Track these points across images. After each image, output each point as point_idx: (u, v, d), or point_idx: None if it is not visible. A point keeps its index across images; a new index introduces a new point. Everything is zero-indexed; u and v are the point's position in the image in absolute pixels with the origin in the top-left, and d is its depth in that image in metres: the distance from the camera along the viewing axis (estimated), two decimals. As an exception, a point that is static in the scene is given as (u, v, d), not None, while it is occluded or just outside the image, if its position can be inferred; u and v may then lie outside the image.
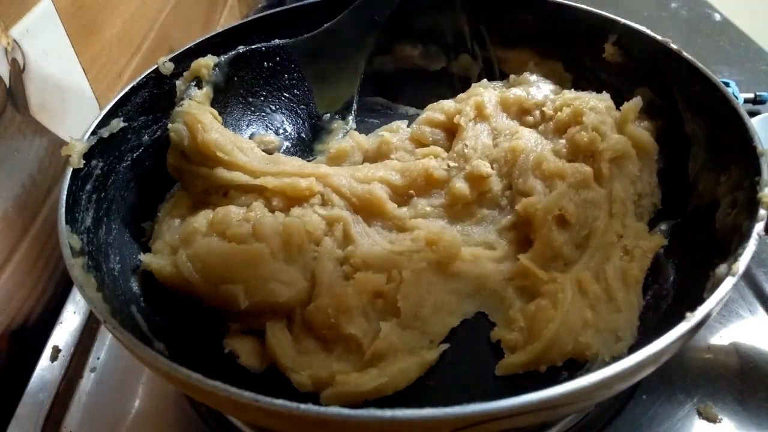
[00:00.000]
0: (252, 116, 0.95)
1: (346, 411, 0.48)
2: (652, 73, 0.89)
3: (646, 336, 0.69)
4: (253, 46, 0.93)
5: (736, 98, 0.76)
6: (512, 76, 1.01)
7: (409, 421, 0.48)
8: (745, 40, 1.42)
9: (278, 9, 0.99)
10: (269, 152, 0.91)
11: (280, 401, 0.48)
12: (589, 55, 0.97)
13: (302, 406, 0.48)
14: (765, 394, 0.71)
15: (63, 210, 0.68)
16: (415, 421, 0.47)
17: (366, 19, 1.00)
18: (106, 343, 0.82)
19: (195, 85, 0.86)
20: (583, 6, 0.97)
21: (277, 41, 0.96)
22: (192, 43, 0.91)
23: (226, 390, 0.49)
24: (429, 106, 0.97)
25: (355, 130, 1.00)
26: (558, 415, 0.66)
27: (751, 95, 1.16)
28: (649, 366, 0.55)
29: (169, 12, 1.24)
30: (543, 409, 0.50)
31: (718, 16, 1.52)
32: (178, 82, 0.87)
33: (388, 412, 0.48)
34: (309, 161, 0.92)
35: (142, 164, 0.85)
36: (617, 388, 0.55)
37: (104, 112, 0.80)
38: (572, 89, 0.96)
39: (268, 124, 0.96)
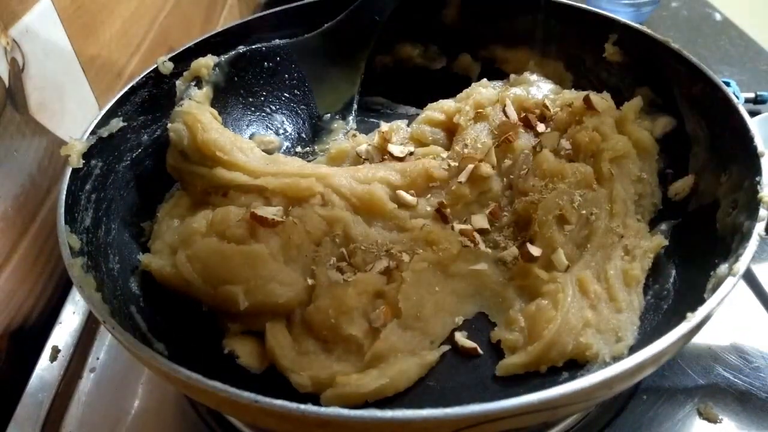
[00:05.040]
0: (252, 116, 0.95)
1: (346, 411, 0.48)
2: (652, 73, 0.89)
3: (646, 336, 0.69)
4: (253, 46, 0.93)
5: (737, 98, 0.75)
6: (512, 76, 1.01)
7: (409, 422, 0.48)
8: (745, 39, 1.42)
9: (278, 9, 0.99)
10: (269, 152, 0.91)
11: (280, 402, 0.48)
12: (589, 55, 0.97)
13: (302, 406, 0.48)
14: (765, 395, 0.71)
15: (62, 210, 0.68)
16: (415, 422, 0.47)
17: (366, 19, 0.99)
18: (105, 343, 0.82)
19: (195, 85, 0.86)
20: (584, 6, 0.97)
21: (277, 41, 0.95)
22: (192, 43, 0.91)
23: (225, 390, 0.49)
24: (429, 106, 0.97)
25: (355, 130, 1.00)
26: (558, 415, 0.66)
27: (751, 95, 1.16)
28: (650, 366, 0.54)
29: (169, 12, 1.24)
30: (543, 410, 0.50)
31: (718, 16, 1.52)
32: (177, 82, 0.87)
33: (389, 413, 0.47)
34: (309, 161, 0.92)
35: (141, 164, 0.85)
36: (618, 388, 0.55)
37: (103, 111, 0.80)
38: (573, 89, 0.96)
39: (268, 124, 0.96)
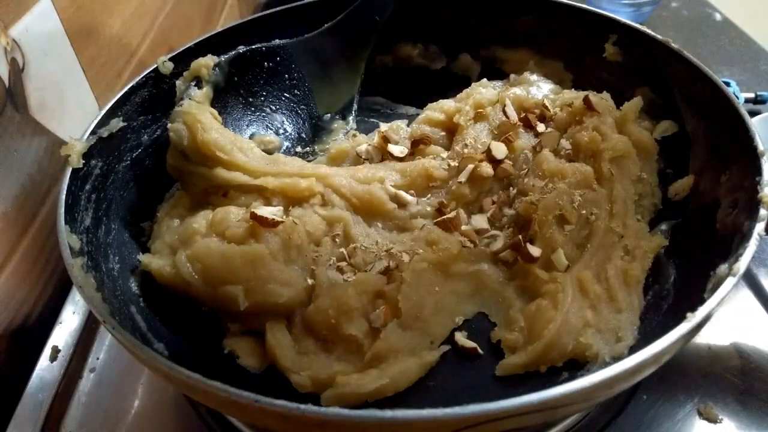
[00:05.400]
0: (252, 116, 0.95)
1: (346, 411, 0.48)
2: (652, 73, 0.89)
3: (646, 336, 0.68)
4: (253, 46, 0.93)
5: (737, 98, 0.75)
6: (512, 76, 1.01)
7: (409, 422, 0.48)
8: (745, 39, 1.42)
9: (278, 9, 0.99)
10: (269, 152, 0.91)
11: (280, 401, 0.48)
12: (589, 55, 0.97)
13: (302, 406, 0.48)
14: (765, 395, 0.71)
15: (62, 210, 0.68)
16: (415, 422, 0.47)
17: (366, 19, 1.00)
18: (105, 343, 0.82)
19: (195, 85, 0.86)
20: (584, 6, 0.97)
21: (277, 41, 0.95)
22: (192, 43, 0.91)
23: (226, 390, 0.49)
24: (429, 106, 0.97)
25: (355, 130, 1.00)
26: (558, 415, 0.66)
27: (751, 95, 1.16)
28: (650, 366, 0.54)
29: (169, 12, 1.24)
30: (543, 410, 0.50)
31: (718, 16, 1.52)
32: (177, 82, 0.87)
33: (388, 413, 0.47)
34: (309, 161, 0.92)
35: (141, 164, 0.85)
36: (618, 388, 0.55)
37: (103, 111, 0.80)
38: (573, 89, 0.96)
39: (268, 124, 0.96)
